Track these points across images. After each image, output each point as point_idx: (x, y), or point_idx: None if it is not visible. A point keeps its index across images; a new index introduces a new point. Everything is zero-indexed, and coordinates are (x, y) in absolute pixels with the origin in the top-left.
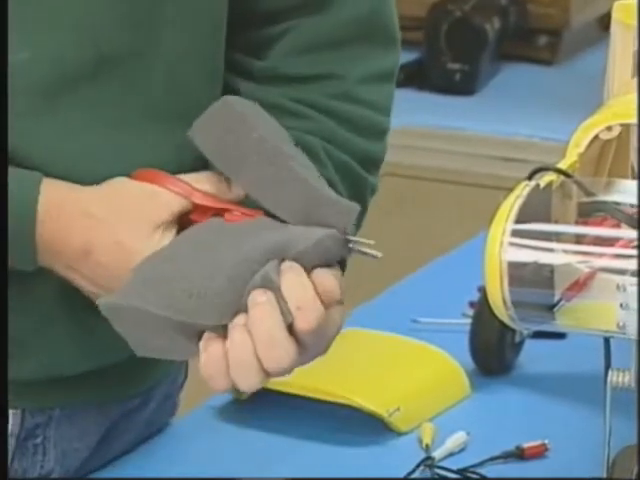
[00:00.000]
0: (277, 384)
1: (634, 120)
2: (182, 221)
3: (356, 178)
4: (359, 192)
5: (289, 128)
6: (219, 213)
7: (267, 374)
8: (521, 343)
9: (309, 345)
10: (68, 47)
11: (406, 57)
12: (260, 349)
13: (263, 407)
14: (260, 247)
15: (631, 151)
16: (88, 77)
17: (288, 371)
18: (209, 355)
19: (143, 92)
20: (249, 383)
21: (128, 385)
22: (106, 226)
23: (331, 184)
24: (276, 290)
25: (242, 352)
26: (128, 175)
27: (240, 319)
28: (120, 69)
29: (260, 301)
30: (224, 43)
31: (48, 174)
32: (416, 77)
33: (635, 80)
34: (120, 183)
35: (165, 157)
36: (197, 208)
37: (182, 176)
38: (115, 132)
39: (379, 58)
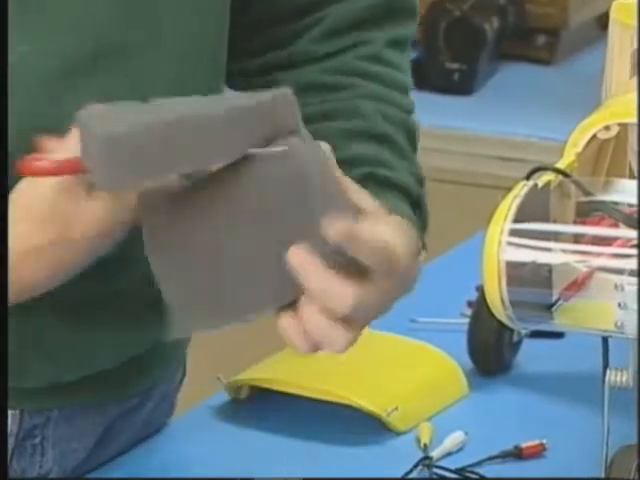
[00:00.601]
0: (275, 383)
1: (632, 120)
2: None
3: (411, 129)
4: (414, 142)
5: (335, 101)
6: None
7: (340, 320)
8: (519, 343)
9: (375, 269)
10: (67, 45)
11: None
12: (320, 298)
13: (261, 407)
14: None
15: (629, 151)
16: (88, 72)
17: (356, 305)
18: (282, 321)
19: (145, 88)
20: (331, 337)
21: (127, 386)
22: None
23: (394, 141)
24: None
25: (309, 310)
26: None
27: None
28: (121, 65)
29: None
30: (227, 39)
31: None
32: (414, 76)
33: (633, 80)
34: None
35: None
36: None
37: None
38: None
39: (399, 28)
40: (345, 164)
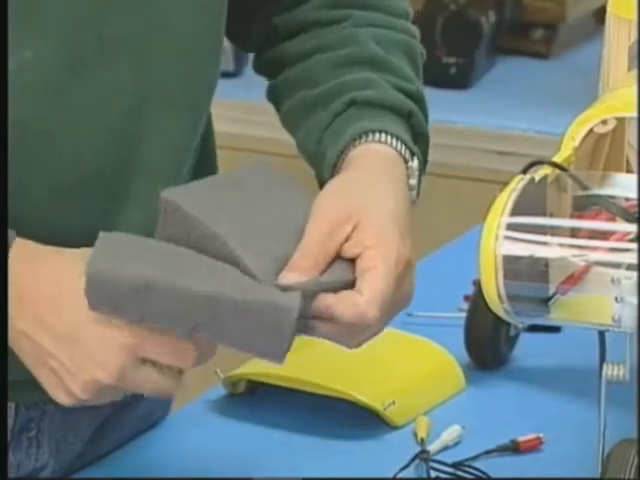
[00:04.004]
0: (273, 378)
1: (629, 114)
2: None
3: (413, 49)
4: (414, 60)
5: (330, 33)
6: None
7: None
8: (516, 337)
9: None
10: (69, 41)
11: None
12: None
13: (258, 401)
14: None
15: (626, 145)
16: (93, 65)
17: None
18: None
19: (151, 76)
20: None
21: None
22: (76, 280)
23: (384, 61)
24: None
25: None
26: None
27: None
28: (124, 55)
29: None
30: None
31: (58, 164)
32: None
33: (630, 74)
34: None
35: (177, 141)
36: None
37: None
38: (128, 117)
39: None
40: (330, 94)
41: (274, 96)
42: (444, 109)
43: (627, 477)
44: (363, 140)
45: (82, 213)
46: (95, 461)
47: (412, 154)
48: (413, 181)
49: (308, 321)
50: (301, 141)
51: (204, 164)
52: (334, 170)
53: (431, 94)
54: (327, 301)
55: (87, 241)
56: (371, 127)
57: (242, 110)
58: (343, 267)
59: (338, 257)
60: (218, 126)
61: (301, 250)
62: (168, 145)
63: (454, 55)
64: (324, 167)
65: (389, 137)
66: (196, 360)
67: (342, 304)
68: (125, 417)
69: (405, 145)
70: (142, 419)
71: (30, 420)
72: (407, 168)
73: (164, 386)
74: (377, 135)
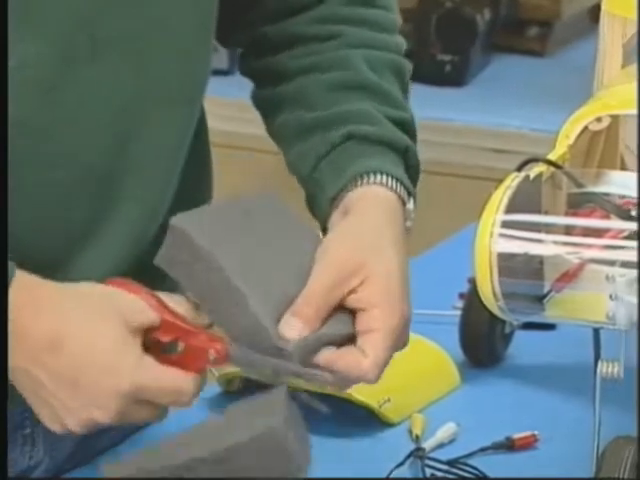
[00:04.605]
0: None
1: (623, 111)
2: (146, 334)
3: (402, 69)
4: (403, 80)
5: (325, 52)
6: (183, 335)
7: None
8: (511, 334)
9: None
10: (63, 41)
11: None
12: None
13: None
14: None
15: (620, 142)
16: (87, 63)
17: None
18: None
19: (145, 74)
20: None
21: None
22: (79, 320)
23: (379, 88)
24: None
25: None
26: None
27: None
28: (118, 53)
29: None
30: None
31: (52, 161)
32: None
33: (624, 71)
34: (96, 285)
35: (171, 138)
36: (164, 325)
37: (157, 293)
38: (123, 115)
39: None
40: (328, 121)
41: (265, 105)
42: (439, 107)
43: (622, 474)
44: (365, 180)
45: (76, 210)
46: (89, 459)
47: (409, 194)
48: (409, 223)
49: (308, 372)
50: (293, 161)
51: (198, 161)
52: (332, 203)
53: (426, 92)
54: (330, 357)
55: (81, 237)
56: (372, 167)
57: (236, 108)
58: (344, 320)
59: (339, 306)
60: (212, 124)
61: (305, 296)
62: (163, 142)
63: (449, 53)
64: (322, 198)
65: (389, 179)
66: (194, 399)
67: (345, 362)
68: None
69: (403, 186)
70: None
71: (25, 418)
72: (404, 211)
73: (157, 416)
74: (378, 177)
